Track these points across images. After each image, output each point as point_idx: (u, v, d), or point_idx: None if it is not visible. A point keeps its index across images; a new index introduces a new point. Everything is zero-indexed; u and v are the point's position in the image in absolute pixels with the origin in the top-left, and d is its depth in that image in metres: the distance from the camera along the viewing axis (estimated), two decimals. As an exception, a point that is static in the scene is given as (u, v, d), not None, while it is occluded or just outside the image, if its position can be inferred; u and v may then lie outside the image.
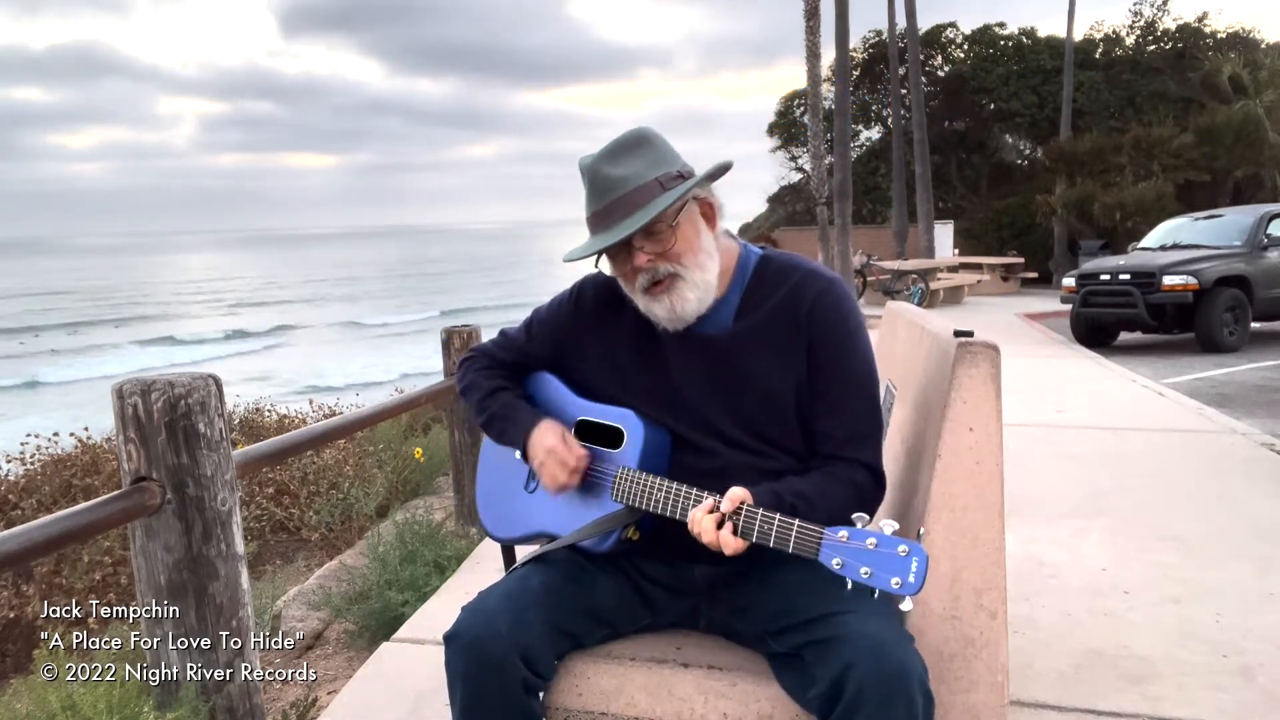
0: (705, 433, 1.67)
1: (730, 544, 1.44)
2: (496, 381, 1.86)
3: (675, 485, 1.56)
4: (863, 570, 1.28)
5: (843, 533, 1.31)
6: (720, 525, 1.45)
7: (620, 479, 1.64)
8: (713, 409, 1.67)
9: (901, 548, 1.26)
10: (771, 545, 1.40)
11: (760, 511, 1.43)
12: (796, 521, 1.38)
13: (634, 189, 1.55)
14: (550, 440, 1.69)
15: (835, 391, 1.64)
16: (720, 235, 1.69)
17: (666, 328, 1.65)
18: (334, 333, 33.73)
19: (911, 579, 1.25)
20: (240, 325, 35.84)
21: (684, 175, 1.60)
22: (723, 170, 1.64)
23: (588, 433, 1.75)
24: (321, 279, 67.80)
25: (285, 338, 32.02)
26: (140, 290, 60.02)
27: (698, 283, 1.60)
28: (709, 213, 1.65)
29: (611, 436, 1.70)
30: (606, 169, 1.56)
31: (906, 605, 1.26)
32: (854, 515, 1.33)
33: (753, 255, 1.72)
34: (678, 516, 1.55)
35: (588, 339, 1.78)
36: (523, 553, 1.83)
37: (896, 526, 1.29)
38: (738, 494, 1.45)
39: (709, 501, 1.48)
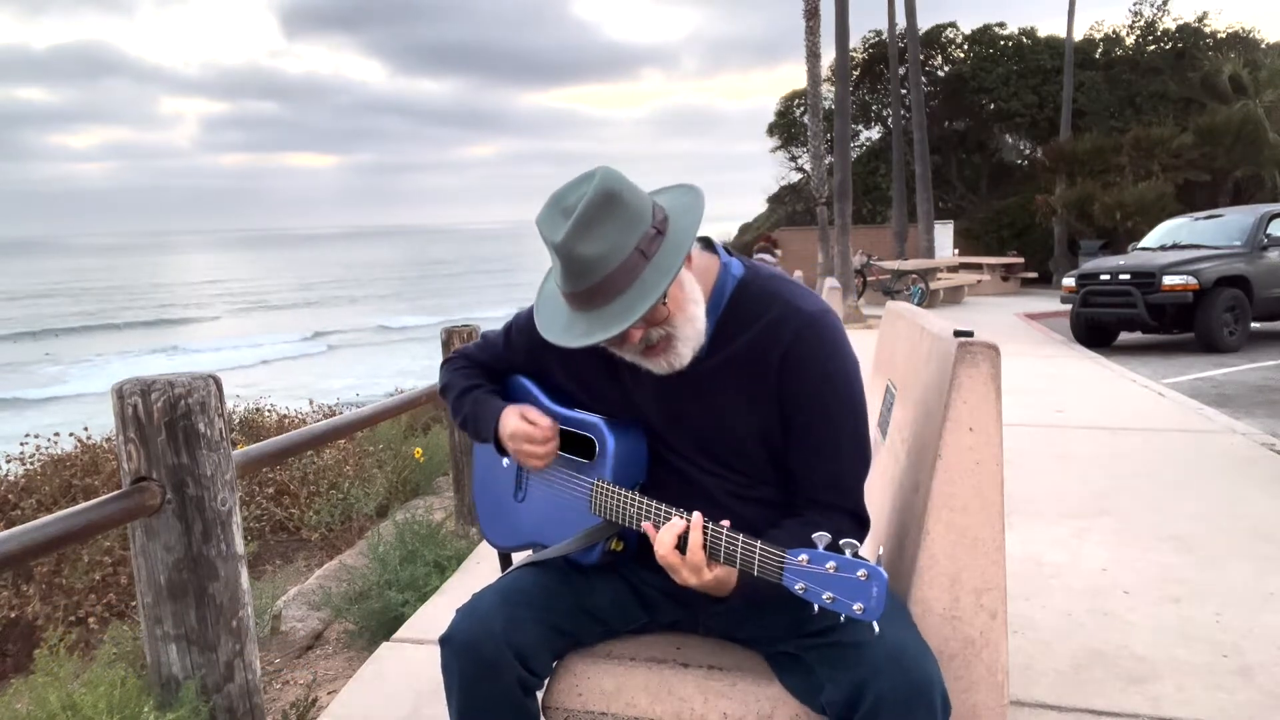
0: (676, 454, 1.64)
1: (680, 569, 1.41)
2: (469, 380, 1.83)
3: (648, 502, 1.53)
4: (825, 595, 1.27)
5: (803, 556, 1.30)
6: (681, 546, 1.42)
7: (597, 492, 1.62)
8: (675, 437, 1.63)
9: (861, 572, 1.25)
10: (737, 567, 1.39)
11: (725, 532, 1.40)
12: (759, 543, 1.35)
13: (616, 269, 1.39)
14: (512, 424, 1.66)
15: (814, 437, 1.55)
16: (699, 258, 1.56)
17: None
18: (370, 336, 33.15)
19: (872, 604, 1.24)
20: (276, 329, 34.87)
21: (659, 230, 1.43)
22: (698, 214, 1.48)
23: (564, 442, 1.72)
24: (335, 280, 66.79)
25: (327, 342, 31.23)
26: (159, 292, 58.22)
27: (690, 336, 1.51)
28: (688, 263, 1.51)
29: (587, 445, 1.67)
30: (580, 249, 1.38)
31: (876, 629, 1.27)
32: (814, 535, 1.30)
33: (730, 279, 1.60)
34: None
35: (559, 352, 1.67)
36: (520, 559, 1.83)
37: (857, 547, 1.27)
38: (700, 519, 1.42)
39: (675, 522, 1.44)
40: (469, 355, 1.89)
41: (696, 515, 1.43)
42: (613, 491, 1.59)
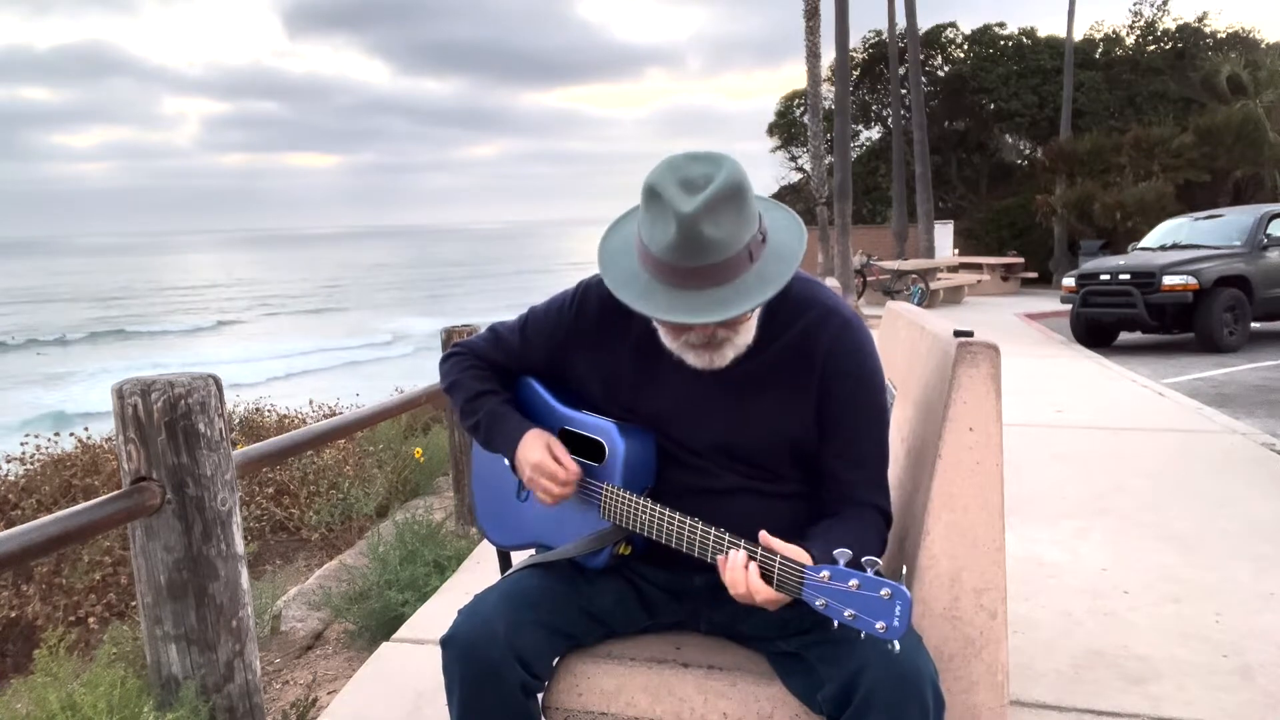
0: (696, 454, 1.64)
1: (761, 592, 1.37)
2: (483, 384, 1.77)
3: (662, 509, 1.54)
4: (847, 613, 1.27)
5: (825, 572, 1.30)
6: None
7: (607, 497, 1.62)
8: (708, 435, 1.63)
9: (885, 591, 1.25)
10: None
11: (742, 542, 1.41)
12: (779, 557, 1.36)
13: (727, 259, 1.39)
14: (536, 455, 1.62)
15: (849, 436, 1.60)
16: None
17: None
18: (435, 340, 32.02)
19: (896, 623, 1.24)
20: (329, 333, 33.33)
21: (763, 237, 1.45)
22: (801, 237, 1.50)
23: (571, 443, 1.71)
24: (357, 283, 65.16)
25: (413, 344, 29.71)
26: (178, 295, 55.65)
27: (742, 344, 1.54)
28: None
29: (594, 448, 1.66)
30: (705, 227, 1.36)
31: (895, 648, 1.26)
32: (836, 551, 1.30)
33: None
34: (663, 540, 1.54)
35: (584, 348, 1.71)
36: (519, 557, 1.82)
37: (879, 565, 1.27)
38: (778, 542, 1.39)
39: (739, 553, 1.40)
40: (477, 352, 1.81)
41: (741, 554, 1.41)
42: (623, 497, 1.59)
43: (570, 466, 1.62)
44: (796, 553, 1.37)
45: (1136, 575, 3.19)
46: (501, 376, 1.81)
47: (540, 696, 1.62)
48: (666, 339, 1.56)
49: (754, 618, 1.64)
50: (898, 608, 1.24)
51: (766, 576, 1.38)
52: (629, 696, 1.64)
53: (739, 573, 1.39)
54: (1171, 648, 2.61)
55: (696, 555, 1.51)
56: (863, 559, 1.28)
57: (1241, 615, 2.83)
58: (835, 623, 1.29)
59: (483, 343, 1.82)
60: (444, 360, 1.85)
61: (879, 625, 1.24)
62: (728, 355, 1.54)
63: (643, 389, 1.65)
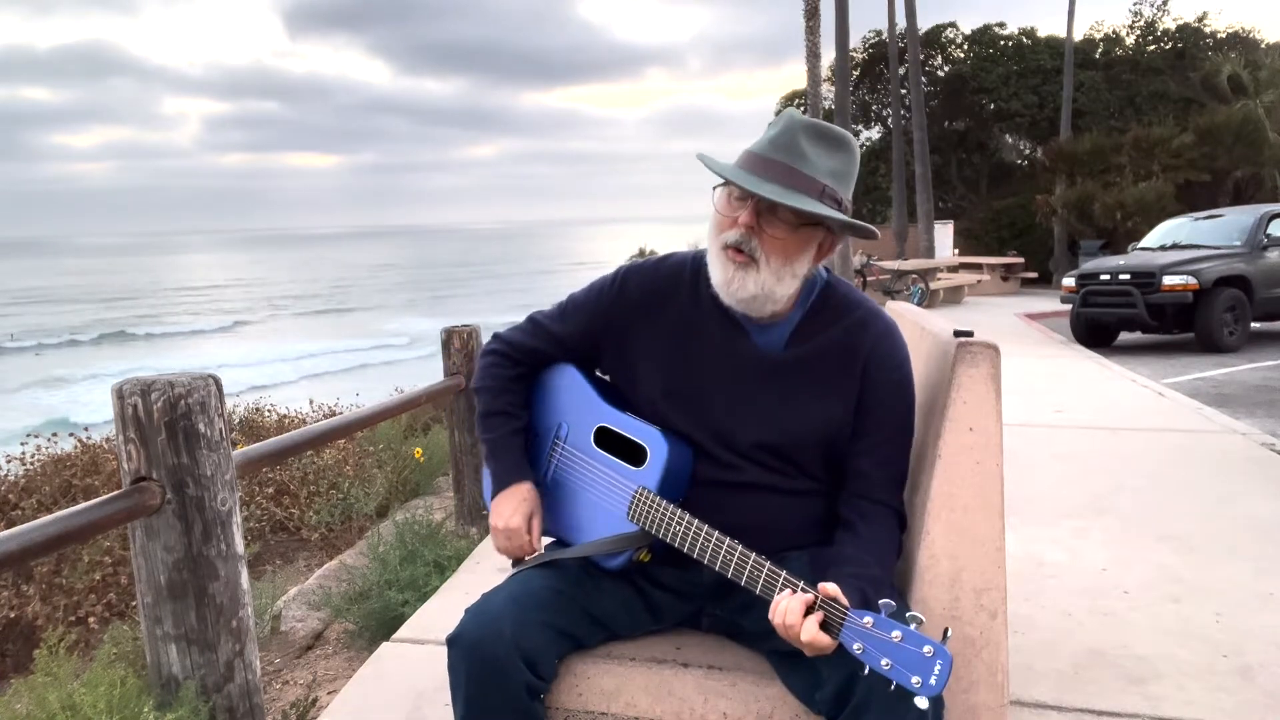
0: (726, 447, 1.64)
1: (822, 641, 1.33)
2: (503, 400, 1.79)
3: (697, 523, 1.53)
4: (884, 661, 1.26)
5: (868, 619, 1.28)
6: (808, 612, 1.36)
7: (638, 501, 1.61)
8: (742, 425, 1.63)
9: (927, 648, 1.24)
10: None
11: (782, 575, 1.42)
12: (820, 597, 1.34)
13: (804, 175, 1.50)
14: (516, 521, 1.70)
15: (881, 435, 1.63)
16: (816, 269, 1.66)
17: (716, 292, 1.59)
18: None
19: (933, 681, 1.23)
20: (343, 335, 33.01)
21: (843, 206, 1.55)
22: (867, 234, 1.58)
23: (607, 440, 1.70)
24: (364, 283, 64.66)
25: (430, 346, 29.73)
26: (186, 296, 54.80)
27: (764, 284, 1.55)
28: (823, 250, 1.61)
29: (632, 449, 1.65)
30: (803, 141, 1.52)
31: (922, 704, 1.24)
32: (881, 601, 1.30)
33: (819, 278, 1.69)
34: (694, 555, 1.54)
35: (624, 330, 1.71)
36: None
37: (923, 620, 1.27)
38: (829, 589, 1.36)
39: (808, 597, 1.36)
40: (515, 344, 1.82)
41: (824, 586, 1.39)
42: (656, 503, 1.58)
43: (537, 548, 1.73)
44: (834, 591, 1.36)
45: (1136, 575, 3.19)
46: (538, 367, 1.82)
47: (543, 697, 1.62)
48: (713, 241, 1.59)
49: (756, 614, 1.64)
50: (938, 666, 1.23)
51: (824, 626, 1.34)
52: (629, 696, 1.64)
53: (794, 617, 1.35)
54: (1171, 648, 2.61)
55: (730, 577, 1.50)
56: (906, 614, 1.27)
57: (1241, 615, 2.83)
58: (866, 668, 1.28)
59: (520, 334, 1.83)
60: (481, 356, 1.87)
61: (914, 680, 1.23)
62: (749, 287, 1.54)
63: (681, 373, 1.66)
